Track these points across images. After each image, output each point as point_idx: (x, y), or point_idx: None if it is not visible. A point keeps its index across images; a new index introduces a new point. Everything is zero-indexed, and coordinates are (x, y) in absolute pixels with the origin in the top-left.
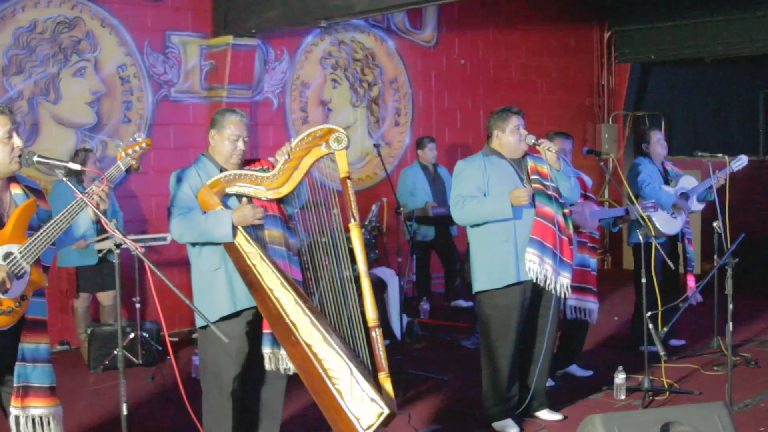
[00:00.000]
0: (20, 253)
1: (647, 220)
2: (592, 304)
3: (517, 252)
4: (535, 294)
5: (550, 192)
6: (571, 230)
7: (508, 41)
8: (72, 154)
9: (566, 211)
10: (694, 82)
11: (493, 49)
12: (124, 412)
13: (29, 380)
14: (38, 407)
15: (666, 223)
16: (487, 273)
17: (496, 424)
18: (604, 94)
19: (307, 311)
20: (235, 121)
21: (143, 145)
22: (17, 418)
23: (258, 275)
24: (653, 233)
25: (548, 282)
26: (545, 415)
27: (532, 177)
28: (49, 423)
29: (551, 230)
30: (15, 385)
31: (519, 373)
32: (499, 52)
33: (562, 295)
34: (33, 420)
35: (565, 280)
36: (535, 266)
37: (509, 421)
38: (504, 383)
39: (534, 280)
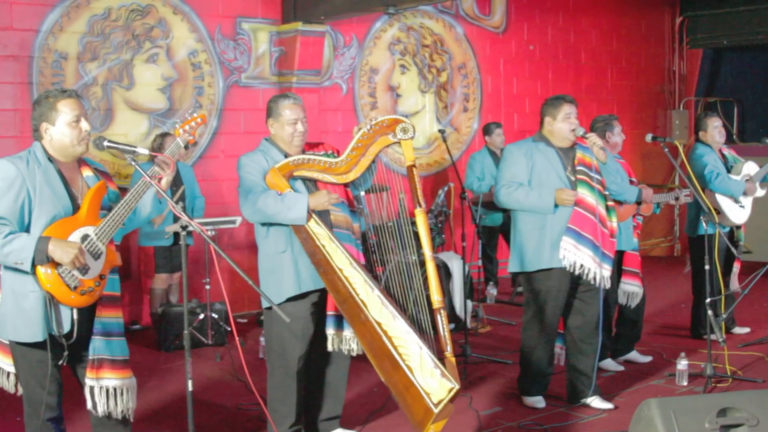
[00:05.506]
0: (96, 234)
1: (711, 208)
2: (637, 287)
3: (552, 238)
4: (573, 282)
5: (594, 184)
6: (614, 223)
7: (577, 26)
8: (151, 139)
9: (610, 204)
10: (767, 68)
11: (563, 35)
12: (190, 388)
13: (104, 353)
14: (112, 379)
15: (734, 213)
16: (520, 256)
17: (526, 399)
18: (675, 80)
19: (376, 290)
20: (289, 105)
21: (198, 120)
22: (92, 388)
23: (327, 255)
24: (717, 221)
25: (586, 271)
26: (596, 403)
27: (578, 168)
28: (123, 394)
29: (591, 221)
30: (90, 357)
31: (568, 360)
32: (569, 38)
33: (603, 287)
34: (107, 391)
35: (606, 272)
36: (570, 255)
37: (538, 397)
38: (537, 362)
39: (567, 268)
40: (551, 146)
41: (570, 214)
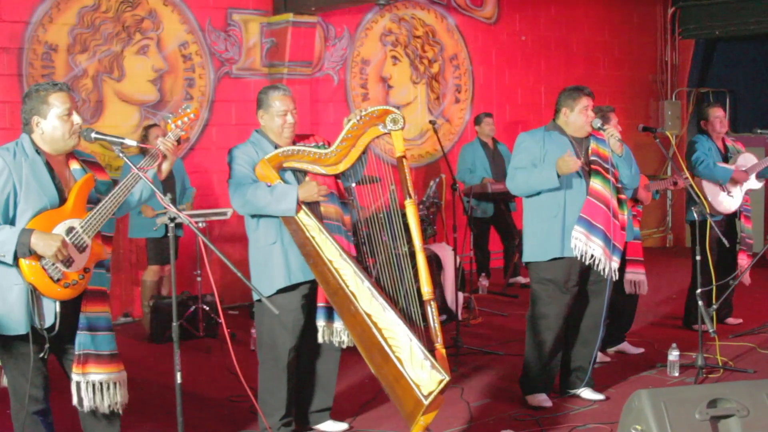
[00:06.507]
0: (81, 227)
1: (702, 197)
2: (642, 276)
3: (565, 228)
4: (583, 273)
5: (608, 176)
6: (625, 216)
7: (569, 17)
8: (141, 130)
9: (622, 196)
10: (759, 58)
11: (555, 25)
12: (179, 381)
13: (90, 348)
14: (99, 373)
15: (721, 202)
16: (533, 245)
17: (531, 398)
18: (667, 71)
19: (366, 282)
20: (279, 96)
21: (191, 115)
22: (78, 384)
23: (317, 247)
24: (708, 210)
25: (597, 262)
26: (587, 394)
27: (592, 158)
28: (109, 388)
29: (603, 211)
30: (76, 352)
31: (564, 349)
32: (561, 28)
33: (611, 278)
34: (93, 385)
35: (615, 265)
36: (581, 244)
37: (543, 396)
38: (545, 356)
39: (578, 258)
40: (564, 135)
41: (583, 203)
